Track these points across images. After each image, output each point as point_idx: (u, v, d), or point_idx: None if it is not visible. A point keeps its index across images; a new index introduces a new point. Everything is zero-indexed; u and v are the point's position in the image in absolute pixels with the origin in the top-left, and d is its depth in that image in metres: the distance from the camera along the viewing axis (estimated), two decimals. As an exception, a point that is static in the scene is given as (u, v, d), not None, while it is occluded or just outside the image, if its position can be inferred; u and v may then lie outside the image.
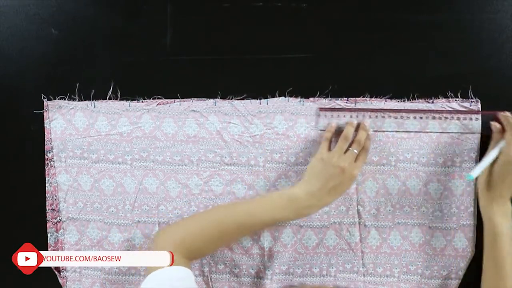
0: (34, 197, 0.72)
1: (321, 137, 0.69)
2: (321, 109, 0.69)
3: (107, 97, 0.70)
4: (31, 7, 0.70)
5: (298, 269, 0.72)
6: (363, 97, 0.70)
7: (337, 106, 0.69)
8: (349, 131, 0.66)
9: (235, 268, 0.73)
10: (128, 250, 0.72)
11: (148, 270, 0.60)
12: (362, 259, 0.72)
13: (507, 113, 0.64)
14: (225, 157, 0.71)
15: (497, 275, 0.63)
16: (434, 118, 0.69)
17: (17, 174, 0.73)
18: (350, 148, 0.65)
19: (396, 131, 0.69)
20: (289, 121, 0.70)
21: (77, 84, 0.70)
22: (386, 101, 0.69)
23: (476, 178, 0.66)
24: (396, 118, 0.69)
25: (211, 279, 0.73)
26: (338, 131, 0.68)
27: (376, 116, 0.66)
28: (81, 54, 0.70)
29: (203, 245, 0.64)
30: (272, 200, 0.64)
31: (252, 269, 0.73)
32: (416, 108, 0.69)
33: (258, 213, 0.63)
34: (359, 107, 0.69)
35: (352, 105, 0.69)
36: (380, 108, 0.69)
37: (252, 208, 0.64)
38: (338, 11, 0.69)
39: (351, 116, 0.68)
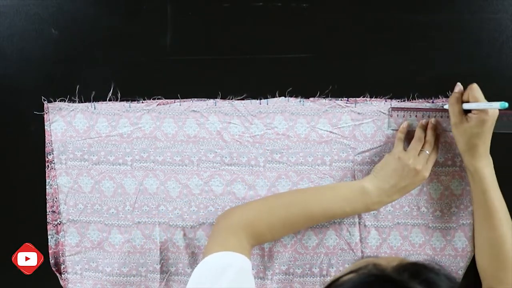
0: (34, 198, 0.72)
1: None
2: (393, 108, 0.69)
3: (107, 99, 0.70)
4: (31, 7, 0.69)
5: (298, 269, 0.72)
6: (363, 97, 0.70)
7: (408, 106, 0.69)
8: (422, 132, 0.66)
9: (236, 268, 0.73)
10: (129, 251, 0.72)
11: (206, 251, 0.59)
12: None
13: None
14: (226, 157, 0.71)
15: (489, 224, 0.64)
16: (435, 117, 0.69)
17: (17, 175, 0.73)
18: (422, 149, 0.65)
19: None
20: (289, 121, 0.70)
21: (77, 86, 0.70)
22: (386, 101, 0.69)
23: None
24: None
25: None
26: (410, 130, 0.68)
27: (442, 116, 0.66)
28: (81, 54, 0.70)
29: (268, 230, 0.63)
30: (342, 193, 0.64)
31: (252, 269, 0.73)
32: None
33: (328, 205, 0.64)
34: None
35: (423, 105, 0.69)
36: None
37: (324, 200, 0.64)
38: (338, 11, 0.69)
39: (422, 116, 0.68)
